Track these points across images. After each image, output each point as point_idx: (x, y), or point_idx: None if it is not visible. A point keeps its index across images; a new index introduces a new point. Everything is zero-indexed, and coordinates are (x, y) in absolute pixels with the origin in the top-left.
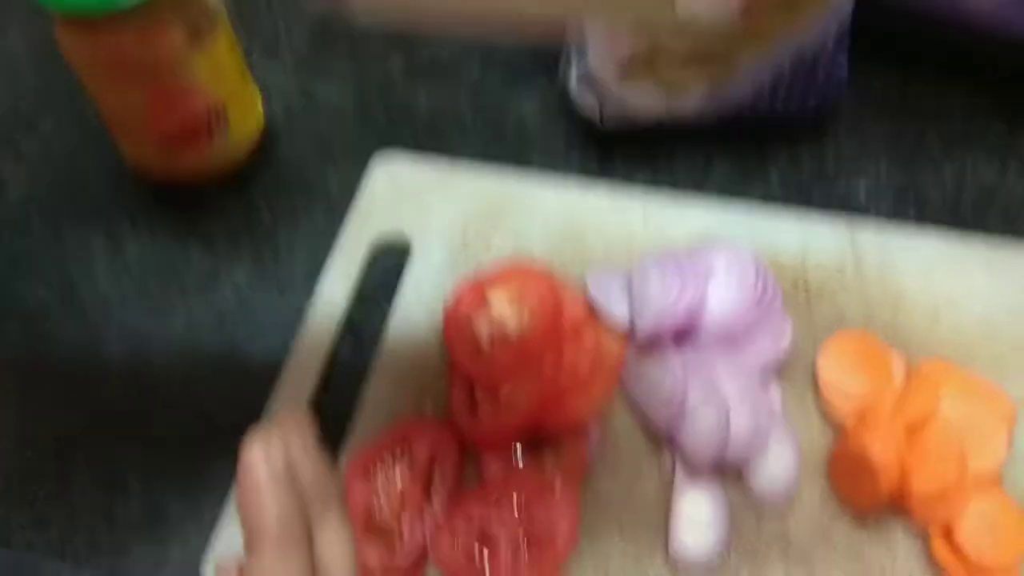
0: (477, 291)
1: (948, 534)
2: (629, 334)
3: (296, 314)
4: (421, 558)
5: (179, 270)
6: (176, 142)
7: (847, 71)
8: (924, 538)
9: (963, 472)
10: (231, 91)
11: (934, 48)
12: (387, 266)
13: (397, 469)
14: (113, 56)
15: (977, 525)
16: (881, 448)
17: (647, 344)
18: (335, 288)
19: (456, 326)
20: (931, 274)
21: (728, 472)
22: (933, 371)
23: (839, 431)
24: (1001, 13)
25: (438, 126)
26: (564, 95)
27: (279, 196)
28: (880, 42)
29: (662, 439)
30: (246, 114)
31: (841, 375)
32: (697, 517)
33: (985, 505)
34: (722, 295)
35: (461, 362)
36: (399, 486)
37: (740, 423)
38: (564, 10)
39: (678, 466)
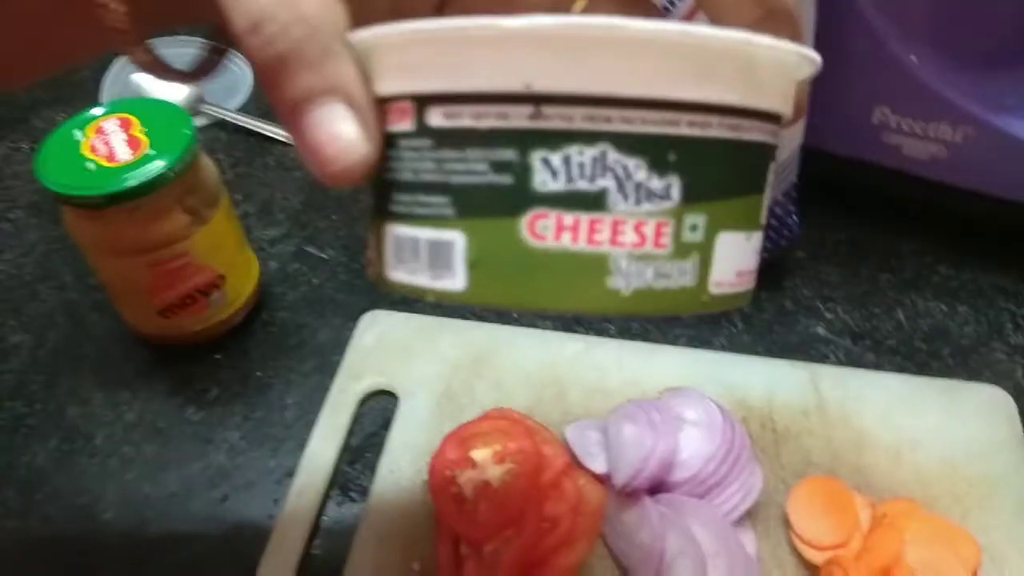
0: (461, 445)
1: None
2: (608, 484)
3: (288, 470)
4: None
5: (175, 429)
6: (175, 311)
7: (798, 223)
8: None
9: None
10: (229, 260)
11: (881, 196)
12: (376, 420)
13: None
14: (117, 239)
15: None
16: None
17: (624, 495)
18: (324, 444)
19: (441, 481)
20: (891, 415)
21: None
22: (897, 513)
23: (813, 574)
24: (937, 164)
25: None
26: None
27: (272, 353)
28: (830, 191)
29: None
30: (243, 279)
31: (810, 522)
32: None
33: None
34: (693, 446)
35: (448, 517)
36: None
37: (717, 574)
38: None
39: None
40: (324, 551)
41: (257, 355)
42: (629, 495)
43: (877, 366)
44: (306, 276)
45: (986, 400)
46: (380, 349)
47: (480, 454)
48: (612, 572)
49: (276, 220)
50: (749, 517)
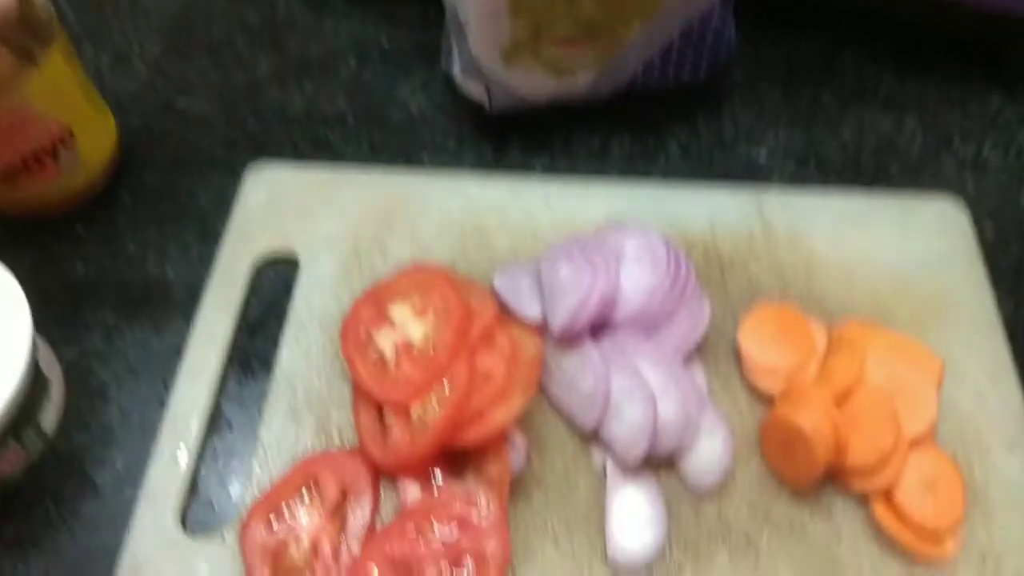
0: (376, 304)
1: (888, 498)
2: (544, 331)
3: (175, 350)
4: None
5: (38, 313)
6: (18, 175)
7: (735, 34)
8: (865, 505)
9: (898, 435)
10: (76, 112)
11: (821, 8)
12: (273, 287)
13: (305, 511)
14: None
15: (916, 486)
16: (811, 421)
17: (564, 340)
18: (216, 317)
19: (356, 345)
20: (841, 235)
21: (661, 464)
22: (854, 334)
23: (768, 407)
24: None
25: (316, 129)
26: (449, 84)
27: (145, 221)
28: (766, 7)
29: (590, 438)
30: (97, 136)
31: (762, 350)
32: (634, 516)
33: (922, 465)
34: (636, 280)
35: (365, 384)
36: (309, 529)
37: (668, 412)
38: None
39: (609, 465)
40: (226, 436)
41: (127, 225)
42: (568, 340)
43: (824, 187)
44: (176, 132)
45: (938, 212)
46: (273, 208)
47: (399, 310)
48: (556, 422)
49: (135, 71)
50: (698, 352)
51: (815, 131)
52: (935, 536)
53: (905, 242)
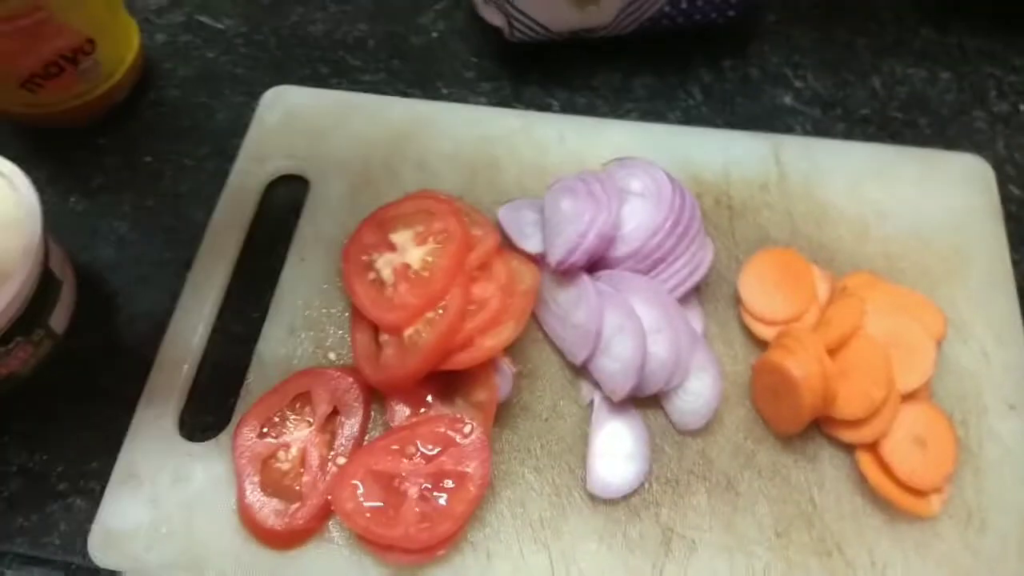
0: (379, 228)
1: (875, 451)
2: (542, 265)
3: (185, 263)
4: (324, 513)
5: (57, 220)
6: (39, 82)
7: None
8: (852, 456)
9: (890, 390)
10: (98, 21)
11: None
12: (283, 206)
13: (296, 422)
14: None
15: (905, 441)
16: (801, 368)
17: (560, 273)
18: (225, 233)
19: (357, 266)
20: (859, 186)
21: (648, 401)
22: (858, 286)
23: (763, 353)
24: None
25: (336, 53)
26: (471, 13)
27: (163, 136)
28: None
29: (581, 372)
30: (119, 47)
31: (762, 295)
32: (616, 450)
33: (914, 420)
34: (638, 218)
35: (363, 304)
36: (299, 440)
37: (658, 351)
38: None
39: (597, 398)
40: (227, 348)
41: (146, 139)
42: (566, 273)
43: (848, 137)
44: (199, 49)
45: (963, 170)
46: (287, 129)
47: (400, 236)
48: (549, 354)
49: None
50: (698, 294)
51: (845, 78)
52: (919, 492)
53: (926, 198)
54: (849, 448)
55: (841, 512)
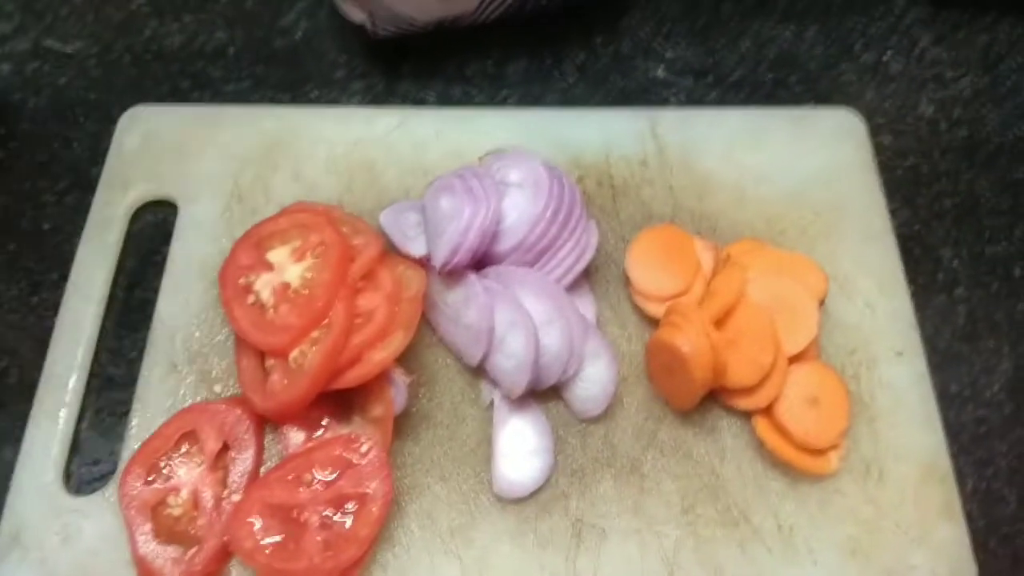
0: (255, 248)
1: (770, 415)
2: (429, 267)
3: (52, 305)
4: (224, 555)
5: None
6: None
7: None
8: (750, 423)
9: (777, 354)
10: None
11: None
12: (153, 236)
13: (184, 463)
14: None
15: (798, 402)
16: (689, 344)
17: (447, 275)
18: (92, 268)
19: (234, 290)
20: (735, 153)
21: (548, 394)
22: (741, 252)
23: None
24: None
25: (196, 65)
26: (334, 10)
27: (18, 175)
28: None
29: (478, 373)
30: None
31: (648, 275)
32: (519, 447)
33: (804, 380)
34: (518, 210)
35: (244, 330)
36: (189, 481)
37: (551, 343)
38: None
39: (496, 398)
40: (106, 392)
41: (0, 179)
42: (452, 274)
43: (722, 103)
44: (49, 76)
45: (834, 125)
46: (149, 151)
47: (277, 254)
48: (444, 358)
49: (3, 11)
50: (587, 279)
51: (714, 45)
52: (817, 450)
53: (800, 157)
54: (746, 416)
55: (744, 480)
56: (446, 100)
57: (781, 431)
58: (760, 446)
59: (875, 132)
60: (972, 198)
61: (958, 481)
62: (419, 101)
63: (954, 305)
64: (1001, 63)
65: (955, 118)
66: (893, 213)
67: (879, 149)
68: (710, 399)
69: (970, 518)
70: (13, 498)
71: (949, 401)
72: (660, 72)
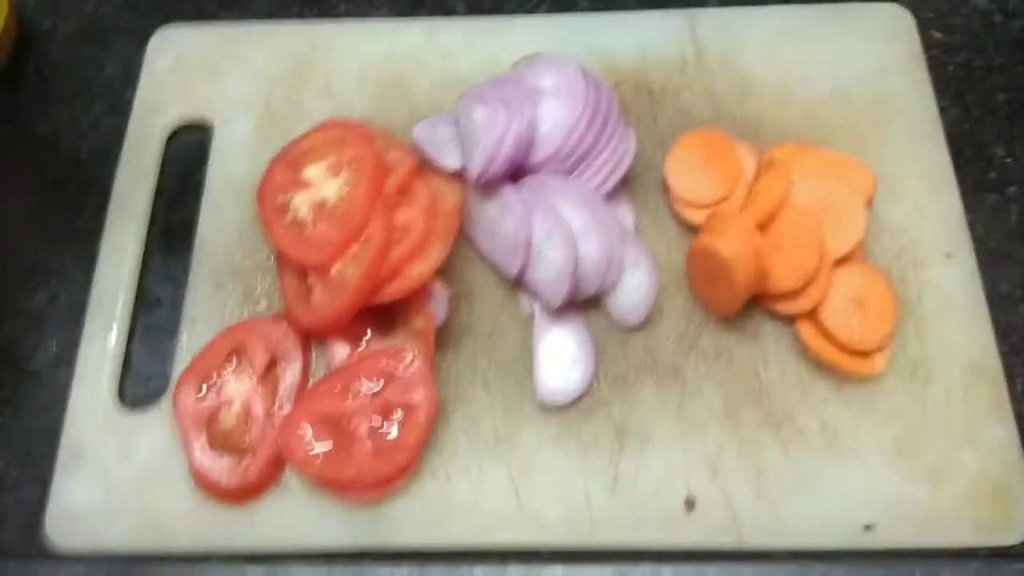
0: (290, 166)
1: (814, 318)
2: (464, 180)
3: (95, 230)
4: (277, 465)
5: None
6: None
7: None
8: (793, 327)
9: (822, 256)
10: None
11: None
12: (190, 156)
13: (234, 376)
14: None
15: (843, 304)
16: (731, 247)
17: (483, 186)
18: (132, 191)
19: (272, 209)
20: (777, 53)
21: (588, 303)
22: (783, 156)
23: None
24: None
25: None
26: None
27: (52, 98)
28: None
29: (517, 284)
30: None
31: (688, 181)
32: (561, 356)
33: (850, 282)
34: (553, 118)
35: (284, 247)
36: (240, 394)
37: (590, 253)
38: None
39: (536, 309)
40: (155, 310)
41: (33, 104)
42: (488, 186)
43: (763, 2)
44: (77, 2)
45: (881, 20)
46: (181, 73)
47: (312, 171)
48: (483, 272)
49: None
50: (625, 187)
51: None
52: (861, 352)
53: (844, 55)
54: (790, 320)
55: (787, 384)
56: (476, 9)
57: (826, 334)
58: (804, 351)
59: (924, 27)
60: None
61: (1008, 382)
62: (449, 11)
63: (1006, 204)
64: None
65: (1010, 10)
66: (943, 111)
67: (928, 45)
68: (752, 304)
69: (1019, 418)
70: (71, 418)
71: (999, 301)
72: None
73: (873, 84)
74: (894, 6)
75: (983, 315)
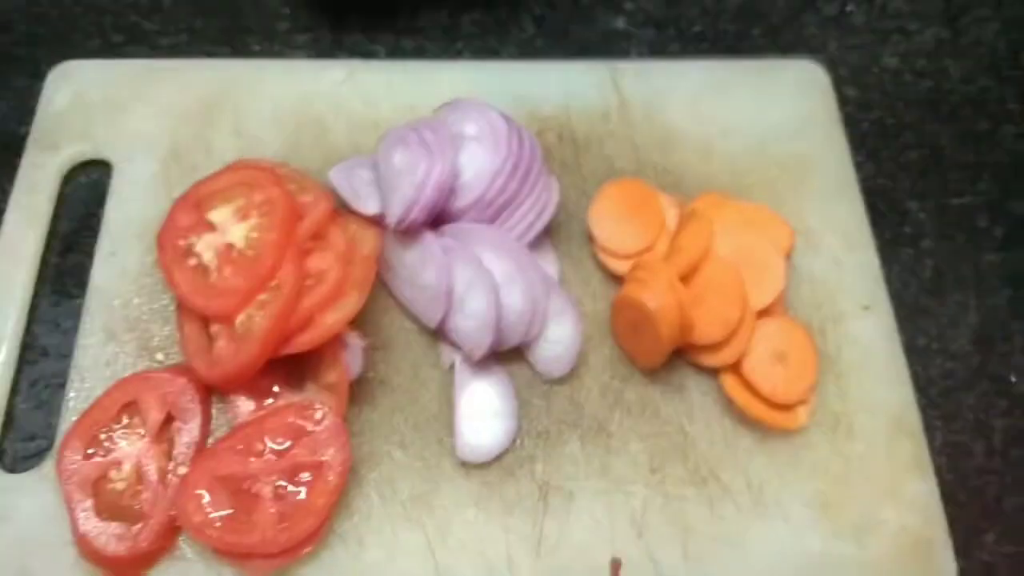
0: (195, 208)
1: (737, 371)
2: (383, 225)
3: None
4: (171, 531)
5: None
6: None
7: None
8: (717, 380)
9: (745, 309)
10: None
11: None
12: (87, 197)
13: (127, 436)
14: None
15: (765, 357)
16: (656, 300)
17: (402, 233)
18: (22, 233)
19: (174, 253)
20: (699, 106)
21: (510, 354)
22: (706, 207)
23: (621, 288)
24: None
25: (128, 18)
26: None
27: None
28: None
29: (438, 335)
30: None
31: (613, 230)
32: (483, 410)
33: (772, 335)
34: (476, 165)
35: (186, 294)
36: (131, 454)
37: (513, 302)
38: None
39: (458, 360)
40: (41, 362)
41: None
42: (408, 232)
43: (683, 56)
44: None
45: (798, 76)
46: (80, 108)
47: (219, 213)
48: (402, 321)
49: None
50: (549, 236)
51: None
52: (785, 406)
53: (764, 109)
54: (713, 372)
55: (712, 438)
56: (397, 54)
57: (749, 387)
58: (728, 403)
59: (839, 84)
60: (936, 150)
61: (927, 435)
62: (369, 55)
63: (920, 258)
64: (963, 15)
65: (919, 70)
66: (858, 166)
67: (843, 101)
68: (677, 357)
69: (939, 471)
70: None
71: (917, 354)
72: (620, 24)
73: (792, 138)
74: (809, 62)
75: (902, 368)
